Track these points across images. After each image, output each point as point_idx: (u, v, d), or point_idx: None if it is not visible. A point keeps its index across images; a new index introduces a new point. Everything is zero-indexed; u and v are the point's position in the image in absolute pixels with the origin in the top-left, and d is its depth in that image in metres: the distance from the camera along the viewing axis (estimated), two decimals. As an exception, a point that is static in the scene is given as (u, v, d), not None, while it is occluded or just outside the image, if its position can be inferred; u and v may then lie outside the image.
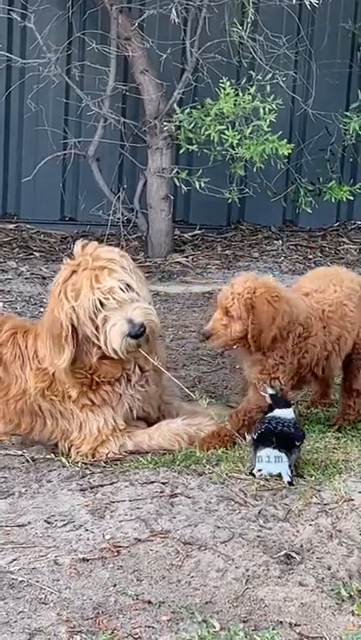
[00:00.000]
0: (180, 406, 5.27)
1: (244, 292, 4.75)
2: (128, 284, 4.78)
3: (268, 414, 4.67)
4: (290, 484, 4.45)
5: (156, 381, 5.07)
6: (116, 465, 4.83)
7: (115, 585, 3.80)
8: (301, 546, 4.06)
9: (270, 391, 4.74)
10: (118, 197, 8.81)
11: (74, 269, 4.82)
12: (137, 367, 4.96)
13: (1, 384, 5.04)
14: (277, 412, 4.66)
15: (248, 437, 4.68)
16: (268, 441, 4.52)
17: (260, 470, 4.50)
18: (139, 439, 4.98)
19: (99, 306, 4.74)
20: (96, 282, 4.73)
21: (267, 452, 4.51)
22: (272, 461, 4.51)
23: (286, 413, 4.66)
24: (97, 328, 4.77)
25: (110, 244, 8.70)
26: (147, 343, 4.85)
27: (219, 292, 4.89)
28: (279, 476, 4.48)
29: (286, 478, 4.46)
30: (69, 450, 4.99)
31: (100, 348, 4.82)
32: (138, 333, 4.74)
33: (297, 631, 3.57)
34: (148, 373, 5.02)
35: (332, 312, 4.97)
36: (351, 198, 8.90)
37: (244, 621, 3.60)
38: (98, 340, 4.79)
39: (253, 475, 4.51)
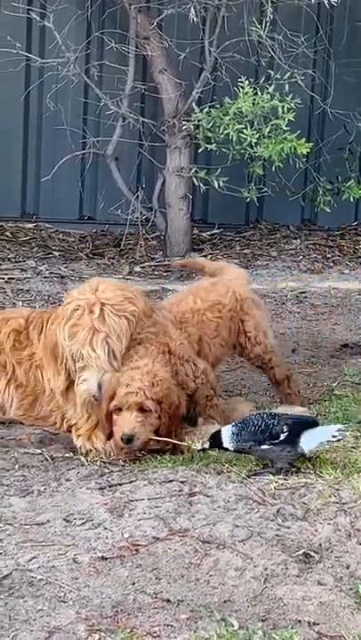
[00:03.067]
0: None
1: (151, 385, 4.84)
2: (115, 355, 4.97)
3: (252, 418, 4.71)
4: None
5: None
6: (135, 463, 4.84)
7: (133, 583, 3.81)
8: (320, 545, 4.05)
9: (199, 446, 4.80)
10: (137, 196, 8.82)
11: (79, 305, 5.01)
12: None
13: (20, 345, 5.38)
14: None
15: (264, 447, 4.64)
16: (302, 425, 4.62)
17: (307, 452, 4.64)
18: None
19: (82, 358, 4.97)
20: (90, 342, 4.95)
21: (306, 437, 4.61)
22: (316, 437, 4.63)
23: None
24: (74, 368, 5.03)
25: (129, 244, 8.79)
26: None
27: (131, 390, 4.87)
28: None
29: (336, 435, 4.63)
30: (68, 430, 5.16)
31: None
32: (101, 398, 4.95)
33: (316, 630, 3.56)
34: None
35: (186, 318, 5.28)
36: (370, 197, 8.91)
37: (262, 620, 3.60)
38: (75, 374, 5.03)
39: (305, 456, 4.62)
